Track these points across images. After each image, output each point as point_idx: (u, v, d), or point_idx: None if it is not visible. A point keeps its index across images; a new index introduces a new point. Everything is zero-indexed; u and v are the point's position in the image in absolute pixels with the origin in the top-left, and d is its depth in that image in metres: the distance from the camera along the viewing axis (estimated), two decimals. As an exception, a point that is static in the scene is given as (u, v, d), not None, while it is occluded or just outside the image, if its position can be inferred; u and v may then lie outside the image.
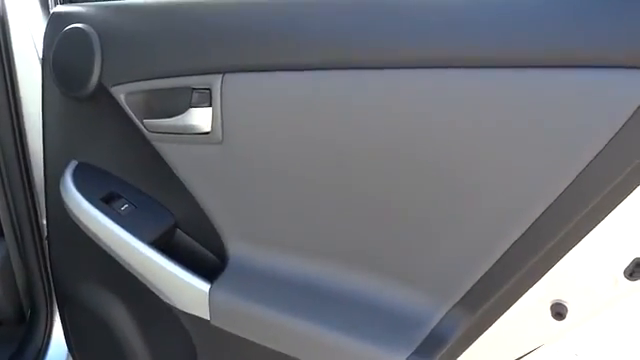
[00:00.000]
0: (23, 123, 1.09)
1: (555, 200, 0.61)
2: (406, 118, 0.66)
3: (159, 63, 0.80)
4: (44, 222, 1.15)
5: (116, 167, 0.95)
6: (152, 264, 0.86)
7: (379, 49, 0.65)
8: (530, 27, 0.58)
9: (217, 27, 0.76)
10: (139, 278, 0.90)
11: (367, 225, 0.74)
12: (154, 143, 0.85)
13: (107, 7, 0.88)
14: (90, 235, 0.91)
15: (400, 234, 0.72)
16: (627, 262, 0.62)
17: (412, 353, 0.73)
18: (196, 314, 0.86)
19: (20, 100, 1.07)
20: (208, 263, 0.91)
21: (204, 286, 0.83)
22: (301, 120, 0.73)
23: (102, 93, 0.87)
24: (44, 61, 0.95)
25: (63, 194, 0.93)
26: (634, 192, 0.58)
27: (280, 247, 0.83)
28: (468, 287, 0.71)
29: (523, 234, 0.65)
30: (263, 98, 0.75)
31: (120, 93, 0.84)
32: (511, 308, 0.69)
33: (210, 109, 0.78)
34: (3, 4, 1.00)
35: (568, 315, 0.67)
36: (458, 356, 0.75)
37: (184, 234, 0.93)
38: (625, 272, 0.62)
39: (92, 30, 0.85)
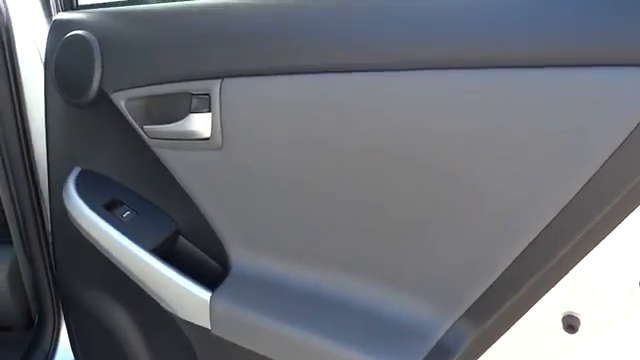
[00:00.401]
0: (28, 128, 1.09)
1: (567, 205, 0.58)
2: (410, 122, 0.64)
3: (158, 69, 0.79)
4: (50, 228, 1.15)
5: (118, 173, 0.94)
6: (153, 272, 0.85)
7: (379, 51, 0.63)
8: (544, 25, 0.56)
9: (215, 32, 0.74)
10: (140, 285, 0.88)
11: (370, 232, 0.72)
12: (155, 149, 0.84)
13: (107, 13, 0.87)
14: (92, 242, 0.90)
15: (404, 242, 0.70)
16: None
17: None
18: (197, 323, 0.84)
19: (25, 106, 1.07)
20: (210, 270, 0.90)
21: (205, 295, 0.82)
22: (301, 124, 0.71)
23: (103, 99, 0.86)
24: (46, 67, 0.94)
25: (65, 201, 0.93)
26: None
27: (282, 254, 0.81)
28: (475, 297, 0.68)
29: (533, 241, 0.62)
30: (262, 103, 0.73)
31: (120, 99, 0.84)
32: (520, 320, 0.66)
33: (209, 114, 0.77)
34: (7, 11, 1.00)
35: (581, 328, 0.64)
36: None
37: (186, 241, 0.92)
38: None
39: (92, 37, 0.85)
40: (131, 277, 0.89)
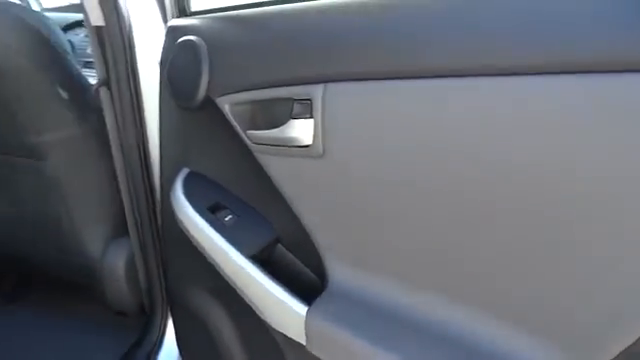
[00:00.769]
0: (146, 130, 1.15)
1: None
2: (536, 132, 0.54)
3: (261, 73, 0.77)
4: None
5: (223, 177, 0.95)
6: (251, 279, 0.84)
7: (498, 54, 0.55)
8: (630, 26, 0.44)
9: (319, 34, 0.70)
10: (238, 291, 0.88)
11: (486, 258, 0.63)
12: (257, 155, 0.83)
13: (216, 19, 0.87)
14: (195, 243, 0.92)
15: (528, 273, 0.60)
16: None
17: None
18: (291, 337, 0.82)
19: (143, 109, 1.12)
20: (307, 282, 0.87)
21: (301, 309, 0.79)
22: (409, 134, 0.64)
23: (210, 104, 0.86)
24: (161, 72, 0.98)
25: (173, 201, 0.95)
26: None
27: (383, 273, 0.75)
28: (621, 347, 0.56)
29: None
30: (367, 109, 0.67)
31: (225, 104, 0.83)
32: None
33: (311, 121, 0.73)
34: (129, 17, 1.05)
35: None
36: None
37: (285, 249, 0.90)
38: None
39: (202, 42, 0.85)
40: (229, 281, 0.89)
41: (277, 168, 0.81)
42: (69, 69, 1.15)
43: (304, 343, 0.79)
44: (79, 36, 2.11)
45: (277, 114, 0.77)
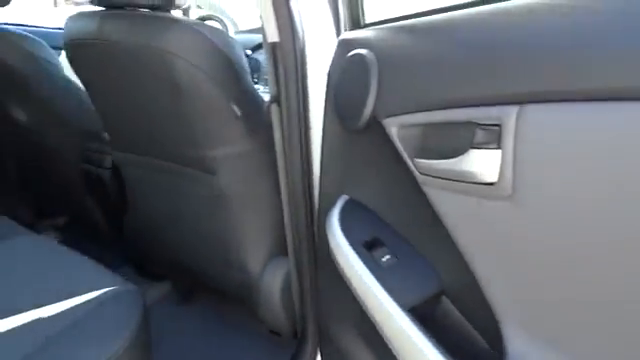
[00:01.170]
0: (311, 150, 1.10)
1: None
2: None
3: (437, 91, 0.63)
4: None
5: (383, 209, 0.83)
6: (406, 336, 0.70)
7: None
8: None
9: (514, 43, 0.54)
10: (388, 344, 0.75)
11: None
12: (425, 188, 0.69)
13: (390, 29, 0.76)
14: (346, 280, 0.81)
15: None
16: None
17: None
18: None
19: (310, 128, 1.07)
20: (477, 351, 0.69)
21: None
22: (635, 174, 0.45)
23: (375, 125, 0.75)
24: (327, 89, 0.91)
25: (327, 230, 0.86)
26: None
27: (584, 354, 0.55)
28: None
29: None
30: (576, 139, 0.49)
31: (392, 126, 0.71)
32: None
33: (498, 152, 0.57)
34: (303, 34, 1.00)
35: None
36: None
37: (450, 304, 0.74)
38: None
39: (372, 56, 0.75)
40: (380, 331, 0.76)
41: (449, 206, 0.66)
42: (245, 86, 1.16)
43: None
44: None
45: (454, 141, 0.62)
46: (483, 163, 0.58)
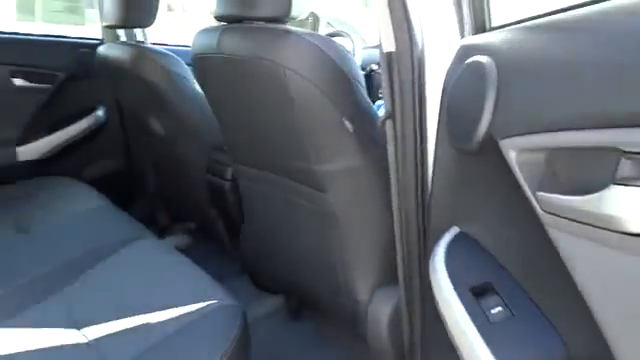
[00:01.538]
0: (427, 170, 0.98)
1: None
2: None
3: (570, 105, 0.49)
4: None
5: (498, 249, 0.69)
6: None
7: None
8: None
9: None
10: None
11: None
12: (549, 229, 0.54)
13: (516, 31, 0.63)
14: (447, 330, 0.68)
15: None
16: None
17: None
18: None
19: (426, 146, 0.96)
20: None
21: None
22: None
23: (491, 147, 0.62)
24: (441, 103, 0.79)
25: (431, 266, 0.75)
26: None
27: None
28: None
29: None
30: None
31: (510, 149, 0.58)
32: None
33: None
34: (423, 44, 0.90)
35: None
36: None
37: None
38: None
39: (492, 63, 0.63)
40: None
41: (580, 257, 0.51)
42: (359, 101, 1.09)
43: None
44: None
45: (590, 173, 0.47)
46: (629, 205, 0.42)
